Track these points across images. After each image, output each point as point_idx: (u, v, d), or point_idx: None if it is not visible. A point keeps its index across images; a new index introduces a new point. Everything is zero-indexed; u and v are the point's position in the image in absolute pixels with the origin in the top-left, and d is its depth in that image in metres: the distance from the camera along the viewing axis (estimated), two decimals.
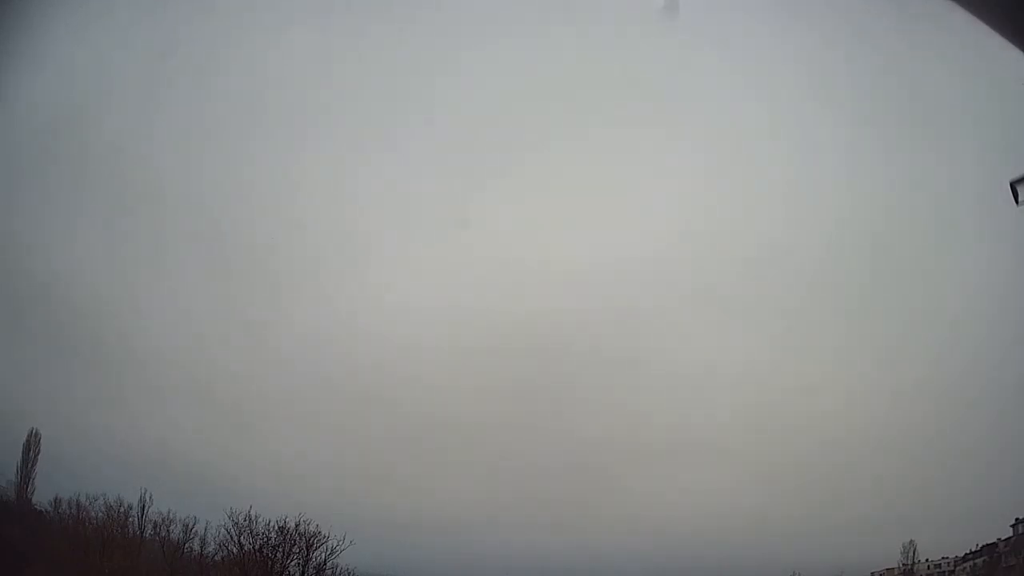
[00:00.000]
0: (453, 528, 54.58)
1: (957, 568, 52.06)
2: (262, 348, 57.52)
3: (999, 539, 49.75)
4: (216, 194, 55.83)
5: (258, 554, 49.76)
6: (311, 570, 50.49)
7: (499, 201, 55.90)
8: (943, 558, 52.24)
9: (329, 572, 50.56)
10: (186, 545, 51.12)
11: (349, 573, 50.64)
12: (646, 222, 55.94)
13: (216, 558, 50.93)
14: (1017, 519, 48.58)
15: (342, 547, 49.45)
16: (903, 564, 52.15)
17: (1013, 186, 6.88)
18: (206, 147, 55.16)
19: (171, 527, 50.42)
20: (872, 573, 53.06)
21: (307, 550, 50.26)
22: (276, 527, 49.78)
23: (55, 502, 50.27)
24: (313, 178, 56.51)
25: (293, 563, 50.47)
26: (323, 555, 50.17)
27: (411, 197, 56.57)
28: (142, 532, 50.30)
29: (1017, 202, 6.85)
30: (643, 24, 50.57)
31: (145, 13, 52.56)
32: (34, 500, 50.60)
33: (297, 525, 49.86)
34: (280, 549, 50.23)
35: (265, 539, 49.98)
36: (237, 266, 57.85)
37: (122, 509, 49.54)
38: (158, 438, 52.52)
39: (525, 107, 55.58)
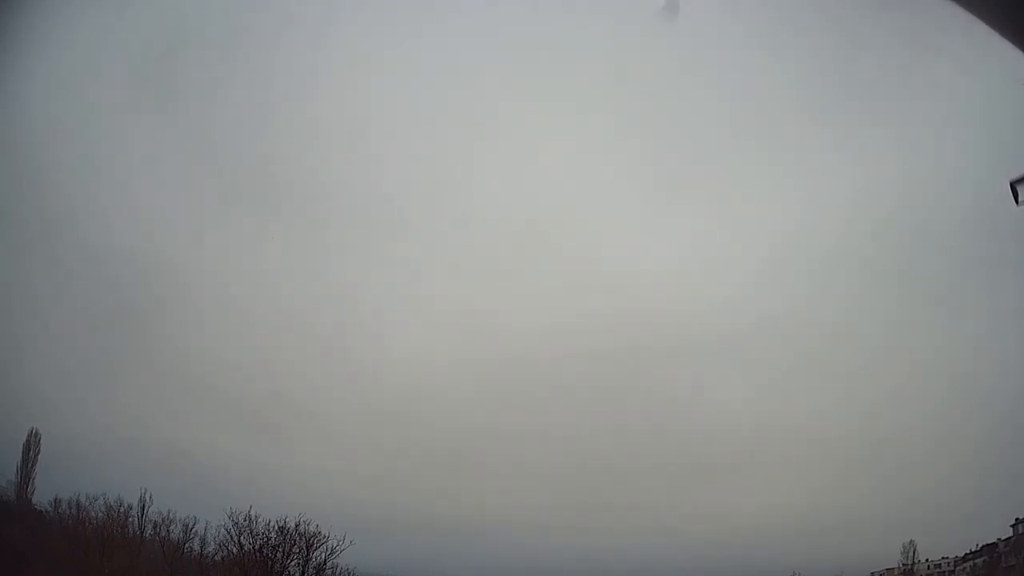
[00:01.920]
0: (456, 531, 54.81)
1: (957, 568, 52.03)
2: (273, 349, 57.82)
3: (999, 539, 49.74)
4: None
5: (258, 554, 49.72)
6: (311, 570, 50.48)
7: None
8: (943, 558, 52.23)
9: (329, 572, 50.63)
10: (186, 545, 51.15)
11: (349, 573, 50.66)
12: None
13: (216, 558, 50.93)
14: (1017, 519, 48.58)
15: (342, 547, 49.53)
16: (903, 564, 52.14)
17: (1013, 186, 6.86)
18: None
19: (171, 527, 50.51)
20: (872, 573, 53.08)
21: (307, 550, 50.25)
22: (276, 527, 49.83)
23: (55, 502, 50.31)
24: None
25: (293, 563, 50.47)
26: (323, 555, 50.26)
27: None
28: (142, 532, 50.29)
29: (1017, 202, 6.83)
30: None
31: None
32: (34, 500, 50.67)
33: (297, 525, 49.90)
34: (280, 549, 50.21)
35: (265, 539, 50.01)
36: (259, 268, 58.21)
37: (122, 509, 49.57)
38: (159, 438, 52.67)
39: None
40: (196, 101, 55.64)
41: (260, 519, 49.54)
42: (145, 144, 54.10)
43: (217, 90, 55.58)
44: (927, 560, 52.20)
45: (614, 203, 56.42)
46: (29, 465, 50.16)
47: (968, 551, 51.21)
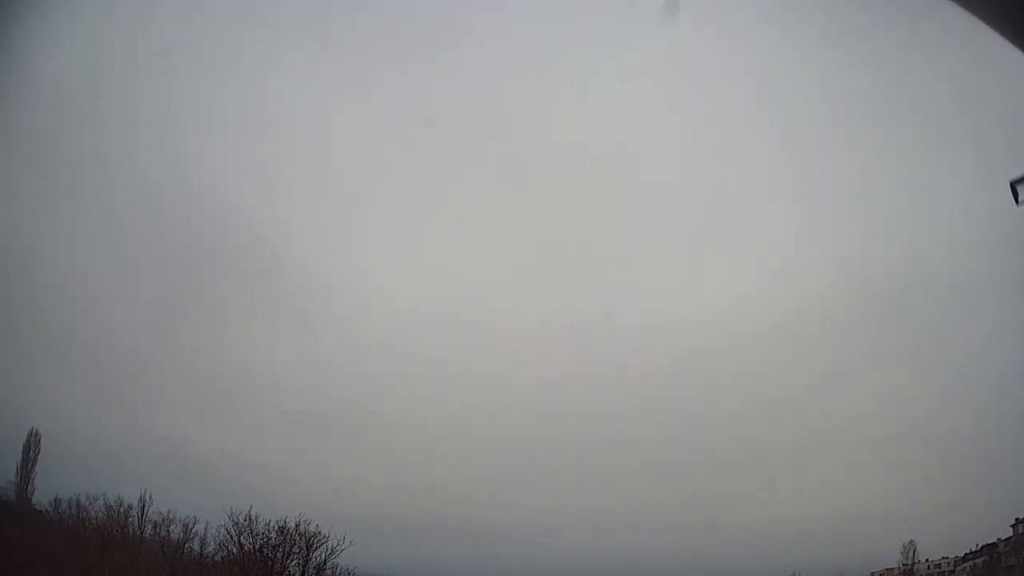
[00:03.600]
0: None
1: (957, 568, 52.04)
2: (274, 349, 57.71)
3: (999, 539, 49.76)
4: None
5: (258, 554, 49.73)
6: (311, 570, 50.49)
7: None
8: (943, 558, 52.24)
9: (329, 572, 50.64)
10: (186, 545, 51.15)
11: (349, 573, 50.69)
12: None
13: (216, 558, 50.95)
14: (1017, 519, 48.59)
15: (342, 547, 49.56)
16: (903, 564, 52.15)
17: (1013, 186, 6.85)
18: None
19: (171, 527, 50.53)
20: (872, 573, 53.07)
21: (307, 550, 50.27)
22: (276, 527, 49.85)
23: (55, 502, 50.33)
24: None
25: (293, 563, 50.48)
26: (323, 555, 50.28)
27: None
28: (142, 532, 50.30)
29: (1017, 202, 6.82)
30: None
31: None
32: (34, 500, 50.67)
33: (297, 525, 49.92)
34: (280, 549, 50.22)
35: (265, 539, 50.03)
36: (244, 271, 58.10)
37: (122, 509, 49.58)
38: (160, 437, 52.67)
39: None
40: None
41: (260, 519, 49.67)
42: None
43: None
44: (927, 560, 52.21)
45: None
46: (29, 465, 50.18)
47: (968, 551, 51.23)
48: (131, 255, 56.13)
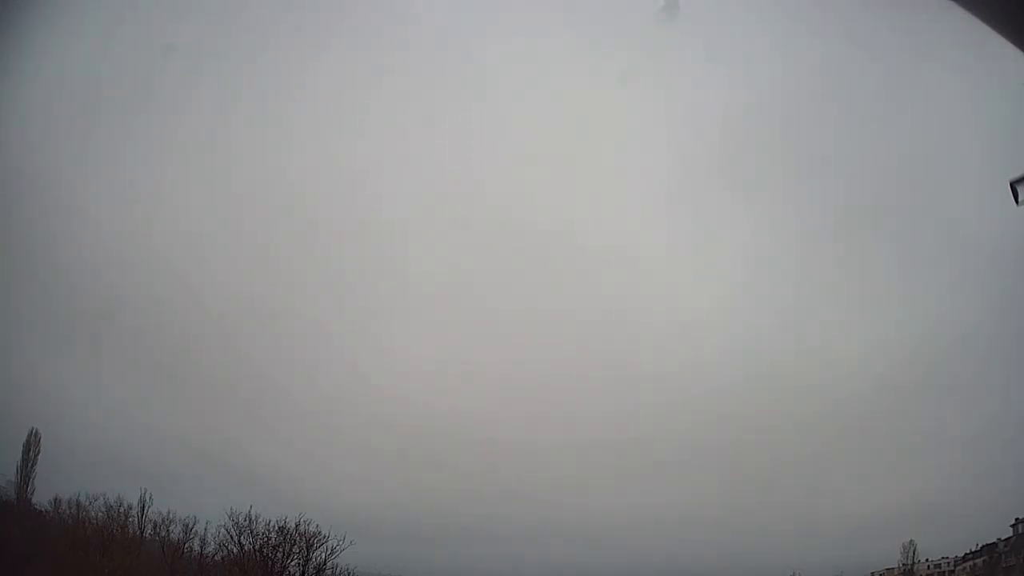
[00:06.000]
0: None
1: (957, 568, 52.08)
2: (274, 349, 57.62)
3: (999, 539, 49.78)
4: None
5: (258, 554, 49.75)
6: (311, 570, 50.51)
7: None
8: (943, 558, 52.27)
9: (329, 572, 50.65)
10: (186, 545, 51.16)
11: (349, 573, 50.71)
12: None
13: (216, 558, 50.98)
14: (1017, 519, 48.59)
15: (342, 547, 49.59)
16: (903, 564, 52.17)
17: (1013, 186, 6.85)
18: None
19: (171, 527, 50.55)
20: (872, 573, 53.11)
21: (307, 550, 50.28)
22: (276, 527, 49.88)
23: (55, 502, 50.40)
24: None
25: (293, 563, 50.50)
26: (323, 555, 50.30)
27: None
28: (142, 532, 50.31)
29: (1017, 202, 6.82)
30: None
31: None
32: (34, 500, 50.69)
33: (297, 525, 49.97)
34: (280, 549, 50.23)
35: (265, 539, 50.04)
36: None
37: (122, 509, 49.59)
38: (160, 438, 52.64)
39: None
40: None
41: (260, 519, 49.69)
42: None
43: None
44: (927, 560, 52.23)
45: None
46: (29, 465, 50.17)
47: (968, 551, 51.26)
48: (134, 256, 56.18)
